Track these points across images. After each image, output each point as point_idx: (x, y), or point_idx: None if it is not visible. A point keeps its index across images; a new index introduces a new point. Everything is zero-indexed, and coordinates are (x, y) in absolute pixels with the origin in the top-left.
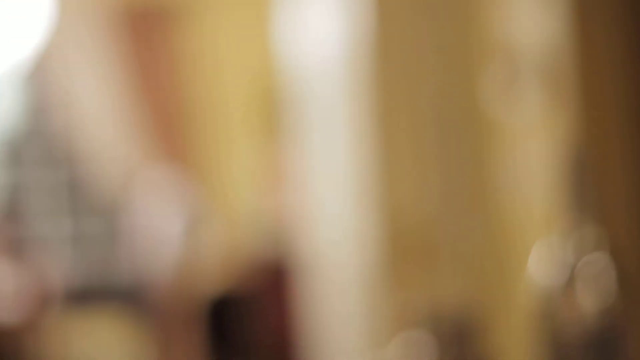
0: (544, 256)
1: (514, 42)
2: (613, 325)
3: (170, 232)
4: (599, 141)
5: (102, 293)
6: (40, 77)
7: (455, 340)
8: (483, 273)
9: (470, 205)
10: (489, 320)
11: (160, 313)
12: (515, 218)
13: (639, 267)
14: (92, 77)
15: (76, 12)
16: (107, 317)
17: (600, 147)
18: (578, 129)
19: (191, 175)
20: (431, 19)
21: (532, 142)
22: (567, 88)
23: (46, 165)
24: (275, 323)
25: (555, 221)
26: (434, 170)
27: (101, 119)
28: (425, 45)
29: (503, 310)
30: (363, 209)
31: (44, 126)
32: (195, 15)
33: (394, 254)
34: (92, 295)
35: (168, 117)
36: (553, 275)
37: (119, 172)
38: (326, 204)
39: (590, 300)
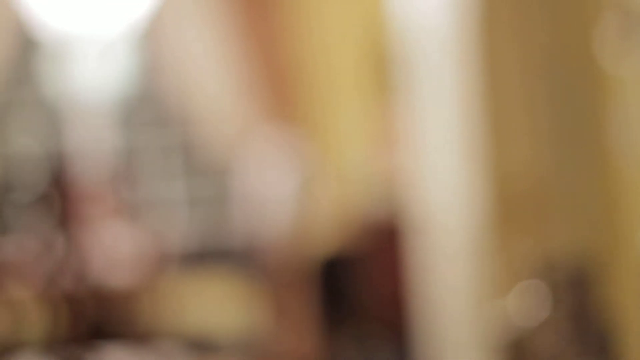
0: None
1: None
2: None
3: (282, 193)
4: None
5: (215, 254)
6: (153, 39)
7: (570, 289)
8: (597, 224)
9: (584, 157)
10: (603, 271)
11: (272, 273)
12: (629, 171)
13: None
14: (204, 38)
15: None
16: (220, 279)
17: None
18: None
19: (303, 135)
20: None
21: None
22: None
23: (159, 127)
24: (386, 283)
25: None
26: (545, 127)
27: (213, 80)
28: None
29: (616, 260)
30: (474, 165)
31: (157, 89)
32: None
33: (507, 208)
34: (205, 256)
35: (279, 78)
36: None
37: (232, 133)
38: (436, 163)
39: None
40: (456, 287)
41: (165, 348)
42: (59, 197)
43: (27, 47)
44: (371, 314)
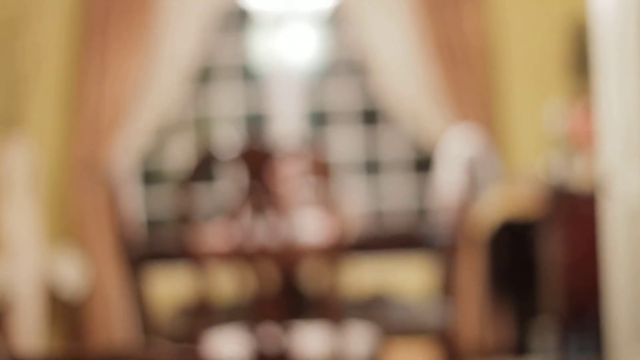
0: None
1: None
2: None
3: (467, 185)
4: None
5: (398, 227)
6: (346, 14)
7: None
8: None
9: None
10: None
11: (449, 251)
12: None
13: None
14: (392, 29)
15: None
16: (403, 259)
17: None
18: None
19: (489, 131)
20: None
21: None
22: None
23: (350, 96)
24: (573, 251)
25: None
26: None
27: (400, 72)
28: None
29: None
30: None
31: (348, 63)
32: None
33: None
34: (388, 229)
35: (467, 70)
36: None
37: (419, 126)
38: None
39: None
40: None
41: (352, 324)
42: (256, 160)
43: (232, 15)
44: (554, 281)
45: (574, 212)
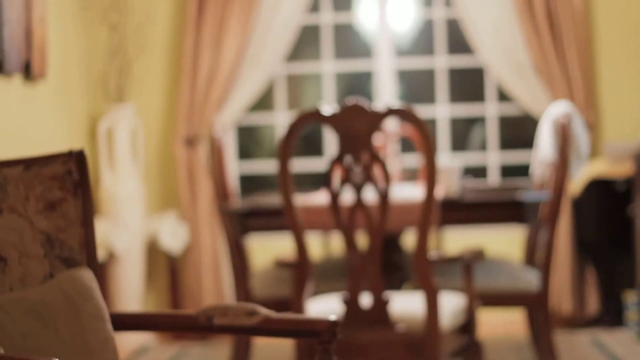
0: None
1: None
2: None
3: (565, 150)
4: None
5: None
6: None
7: None
8: None
9: None
10: None
11: (548, 215)
12: None
13: None
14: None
15: None
16: (500, 225)
17: None
18: None
19: (589, 104)
20: None
21: None
22: None
23: (454, 56)
24: None
25: None
26: None
27: (499, 46)
28: None
29: None
30: None
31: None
32: None
33: None
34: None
35: (569, 44)
36: None
37: (519, 99)
38: None
39: None
40: None
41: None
42: (355, 117)
43: None
44: None
45: None
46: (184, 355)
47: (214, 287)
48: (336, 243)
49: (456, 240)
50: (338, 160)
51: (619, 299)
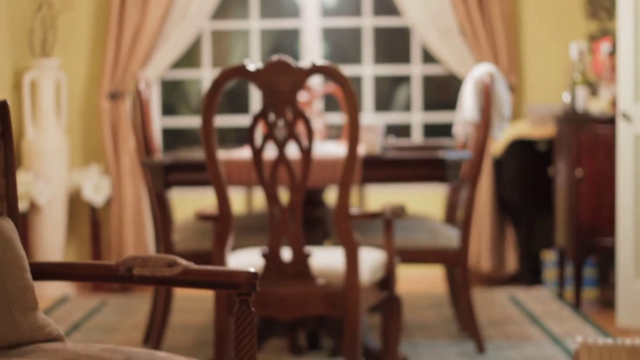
0: None
1: None
2: None
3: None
4: None
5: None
6: None
7: None
8: None
9: None
10: None
11: (469, 174)
12: None
13: None
14: None
15: None
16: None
17: None
18: None
19: (513, 67)
20: None
21: None
22: None
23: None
24: (590, 177)
25: None
26: None
27: (426, 11)
28: None
29: None
30: None
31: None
32: None
33: None
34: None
35: (494, 11)
36: None
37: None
38: None
39: None
40: None
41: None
42: (280, 73)
43: None
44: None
45: (593, 135)
46: (105, 306)
47: (136, 240)
48: (259, 199)
49: (378, 197)
50: (261, 116)
51: (538, 258)
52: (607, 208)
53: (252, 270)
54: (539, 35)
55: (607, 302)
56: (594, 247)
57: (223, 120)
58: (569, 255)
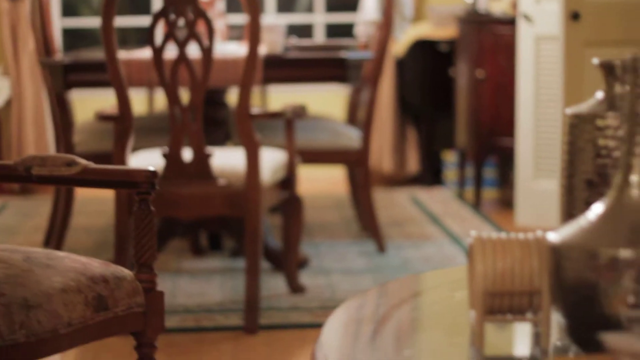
0: None
1: None
2: None
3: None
4: None
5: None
6: None
7: None
8: None
9: None
10: None
11: (370, 74)
12: None
13: None
14: None
15: None
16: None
17: None
18: None
19: None
20: None
21: None
22: None
23: None
24: (491, 77)
25: None
26: None
27: None
28: None
29: None
30: None
31: None
32: None
33: None
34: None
35: None
36: None
37: None
38: None
39: None
40: None
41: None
42: None
43: None
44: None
45: (494, 35)
46: (5, 209)
47: (36, 142)
48: (160, 100)
49: (279, 98)
50: (162, 15)
51: (438, 158)
52: (507, 109)
53: (151, 168)
54: None
55: (506, 202)
56: (494, 148)
57: (125, 21)
58: (470, 155)
